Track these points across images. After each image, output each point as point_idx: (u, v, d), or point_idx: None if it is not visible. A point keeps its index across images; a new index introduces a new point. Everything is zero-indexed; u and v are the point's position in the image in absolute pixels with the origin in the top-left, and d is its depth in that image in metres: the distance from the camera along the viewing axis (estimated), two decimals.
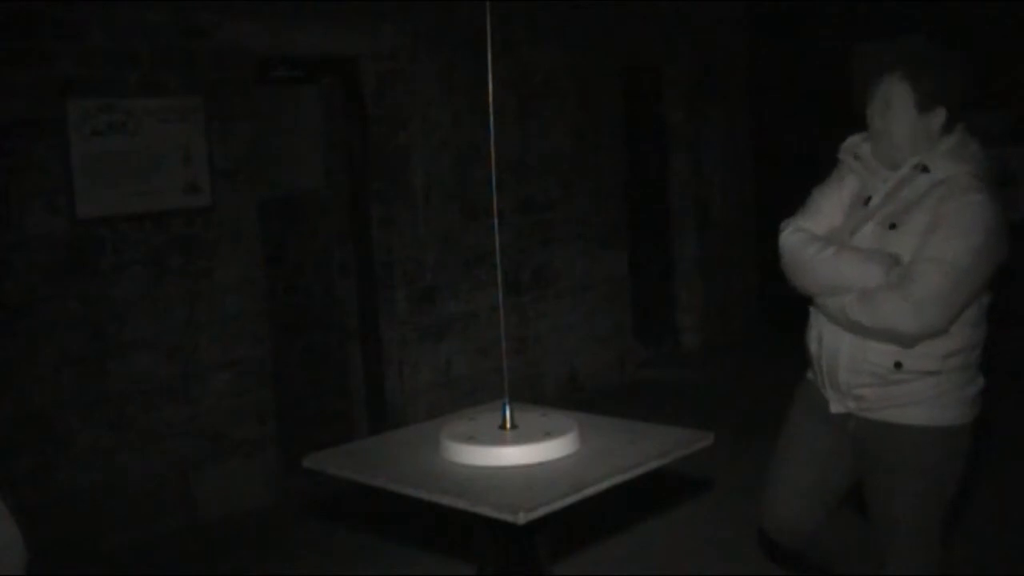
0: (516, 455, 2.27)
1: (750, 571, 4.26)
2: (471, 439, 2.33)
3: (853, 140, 2.96)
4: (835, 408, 2.91)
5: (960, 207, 2.64)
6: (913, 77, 2.73)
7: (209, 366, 5.17)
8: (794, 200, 3.12)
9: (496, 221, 2.66)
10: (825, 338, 2.87)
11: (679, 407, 6.49)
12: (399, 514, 4.82)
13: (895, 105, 2.74)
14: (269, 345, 5.46)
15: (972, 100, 2.82)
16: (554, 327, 6.99)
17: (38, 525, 4.50)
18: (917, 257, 2.65)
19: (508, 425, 2.39)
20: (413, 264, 6.07)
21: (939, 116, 2.75)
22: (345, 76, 5.89)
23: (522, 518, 1.97)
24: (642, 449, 2.33)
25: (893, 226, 2.72)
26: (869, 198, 2.83)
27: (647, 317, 7.98)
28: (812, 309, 2.95)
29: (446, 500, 2.11)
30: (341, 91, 5.95)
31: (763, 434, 5.78)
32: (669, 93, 8.15)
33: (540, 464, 2.26)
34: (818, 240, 2.84)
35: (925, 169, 2.73)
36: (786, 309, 3.17)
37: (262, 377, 5.40)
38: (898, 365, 2.73)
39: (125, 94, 4.82)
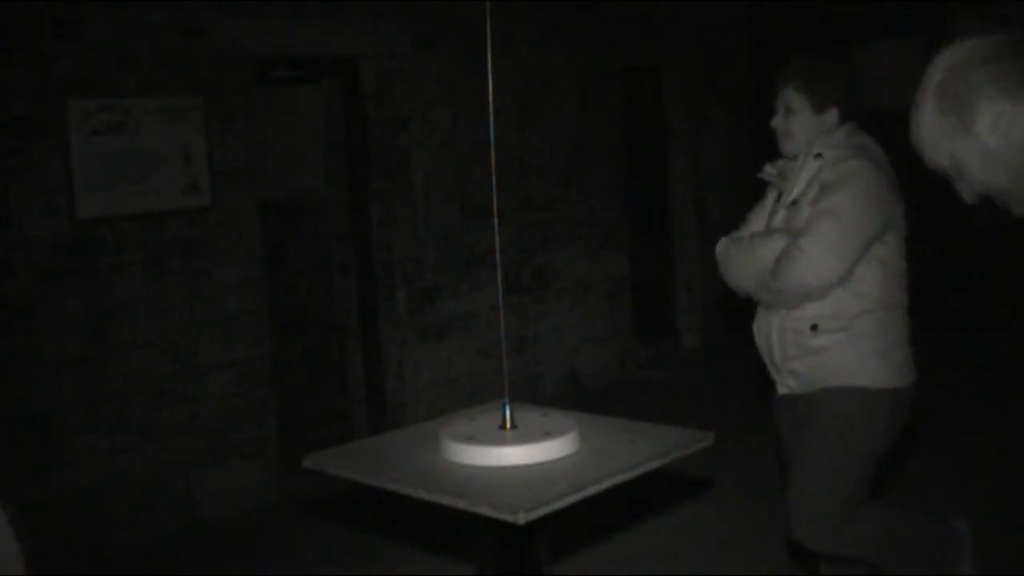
0: (516, 455, 2.27)
1: (750, 571, 4.26)
2: (471, 439, 2.33)
3: (770, 163, 3.30)
4: (781, 389, 3.18)
5: (843, 171, 3.01)
6: (809, 87, 3.11)
7: (209, 366, 5.17)
8: None
9: (496, 221, 2.66)
10: (760, 323, 3.18)
11: (679, 407, 6.48)
12: (399, 514, 4.82)
13: (796, 110, 3.13)
14: (269, 345, 5.46)
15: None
16: (554, 327, 6.99)
17: (38, 525, 4.51)
18: (809, 216, 3.00)
19: (508, 425, 2.39)
20: (413, 264, 6.07)
21: (832, 115, 3.12)
22: (345, 76, 5.89)
23: (522, 518, 1.97)
24: (642, 449, 2.33)
25: (794, 203, 3.08)
26: (780, 195, 3.19)
27: (647, 317, 7.97)
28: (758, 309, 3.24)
29: (446, 500, 2.11)
30: (341, 91, 5.94)
31: (763, 434, 5.79)
32: (669, 93, 8.15)
33: (540, 464, 2.25)
34: (737, 238, 3.23)
35: (819, 155, 3.10)
36: None
37: (262, 377, 5.40)
38: (814, 327, 3.01)
39: (125, 94, 4.82)
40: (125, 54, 4.83)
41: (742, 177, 8.46)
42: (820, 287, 2.96)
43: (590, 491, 2.10)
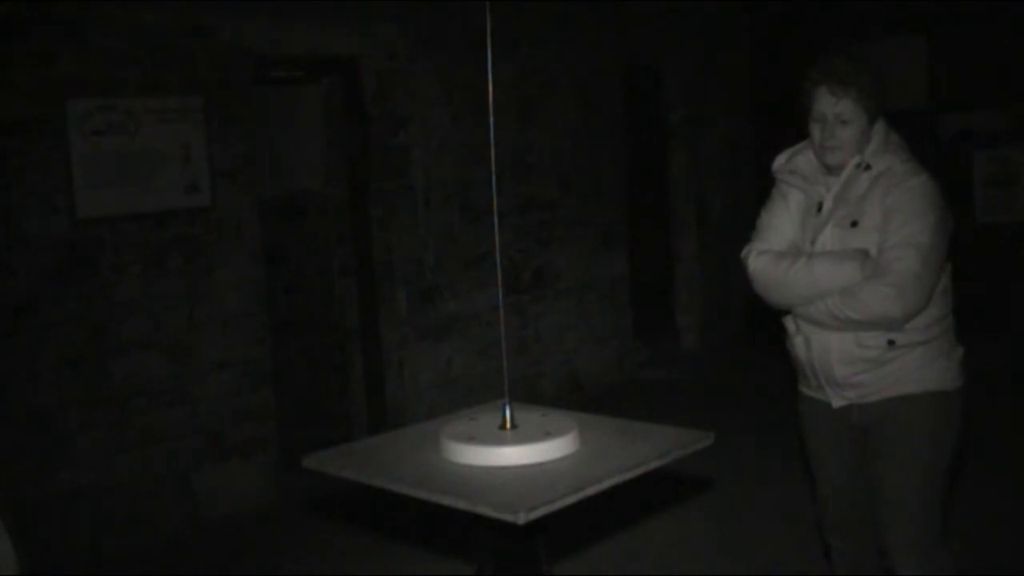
0: (516, 455, 2.27)
1: (750, 571, 4.26)
2: (471, 439, 2.33)
3: (782, 159, 3.16)
4: (837, 403, 3.04)
5: (907, 192, 2.88)
6: (865, 96, 2.93)
7: (209, 366, 5.17)
8: None
9: (496, 221, 2.66)
10: (812, 340, 3.01)
11: (679, 407, 6.49)
12: (399, 514, 4.82)
13: (852, 121, 2.94)
14: (269, 345, 5.46)
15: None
16: (554, 327, 6.99)
17: (38, 525, 4.51)
18: (885, 246, 2.86)
19: (508, 425, 2.39)
20: (413, 264, 6.07)
21: (879, 122, 2.99)
22: (345, 76, 5.89)
23: (522, 518, 1.96)
24: (642, 449, 2.33)
25: (855, 223, 2.93)
26: (820, 204, 3.01)
27: (647, 317, 7.97)
28: (788, 319, 3.10)
29: (446, 500, 2.11)
30: (341, 91, 5.95)
31: (763, 433, 5.80)
32: (669, 93, 8.15)
33: (540, 464, 2.25)
34: (785, 256, 3.02)
35: (867, 167, 2.95)
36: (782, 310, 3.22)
37: (262, 377, 5.40)
38: (891, 343, 2.91)
39: (125, 94, 4.82)
40: (125, 54, 4.83)
41: (742, 177, 8.47)
42: (905, 318, 2.85)
43: (590, 491, 2.10)
